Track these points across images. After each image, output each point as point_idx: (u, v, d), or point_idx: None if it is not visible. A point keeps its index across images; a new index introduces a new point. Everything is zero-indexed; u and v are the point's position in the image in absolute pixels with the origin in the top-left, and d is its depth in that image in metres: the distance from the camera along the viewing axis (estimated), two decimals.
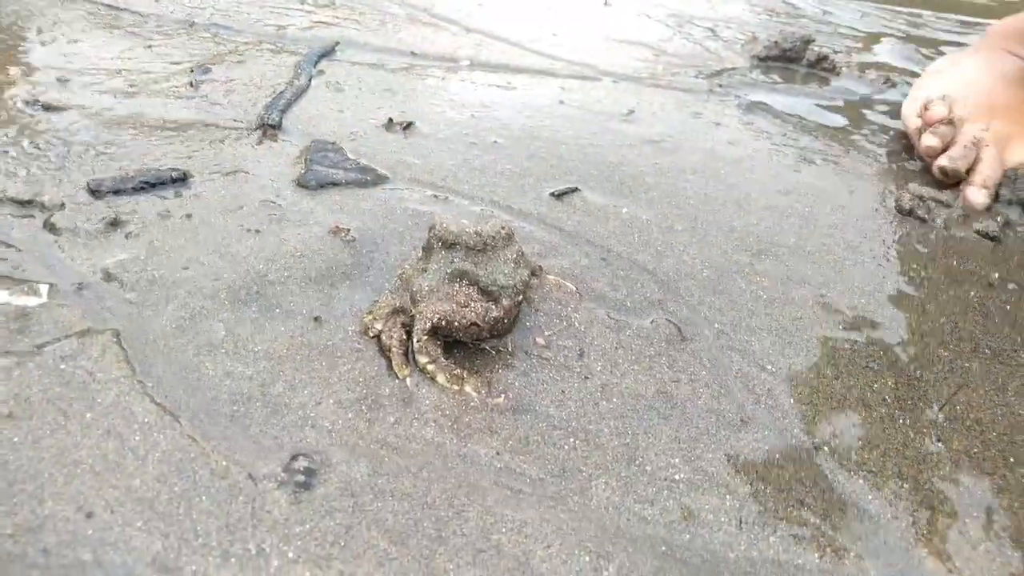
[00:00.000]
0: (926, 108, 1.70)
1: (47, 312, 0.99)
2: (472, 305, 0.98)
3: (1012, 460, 0.95)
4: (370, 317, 1.03)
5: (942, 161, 1.57)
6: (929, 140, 1.62)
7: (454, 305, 0.98)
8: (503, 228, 1.04)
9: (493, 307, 0.99)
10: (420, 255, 1.06)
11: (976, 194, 1.51)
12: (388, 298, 1.04)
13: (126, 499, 0.77)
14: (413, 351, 0.98)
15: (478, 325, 0.98)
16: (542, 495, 0.84)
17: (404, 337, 0.99)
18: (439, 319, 0.97)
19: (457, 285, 1.00)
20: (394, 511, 0.80)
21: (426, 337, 0.97)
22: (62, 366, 0.91)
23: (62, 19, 1.95)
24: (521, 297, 1.04)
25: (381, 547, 0.76)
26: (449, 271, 1.00)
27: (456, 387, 0.95)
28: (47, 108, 1.48)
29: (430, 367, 0.96)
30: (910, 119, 1.76)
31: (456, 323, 0.97)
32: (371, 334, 1.02)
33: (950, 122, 1.64)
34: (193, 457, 0.83)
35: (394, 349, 0.98)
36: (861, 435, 0.97)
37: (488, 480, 0.85)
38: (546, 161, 1.53)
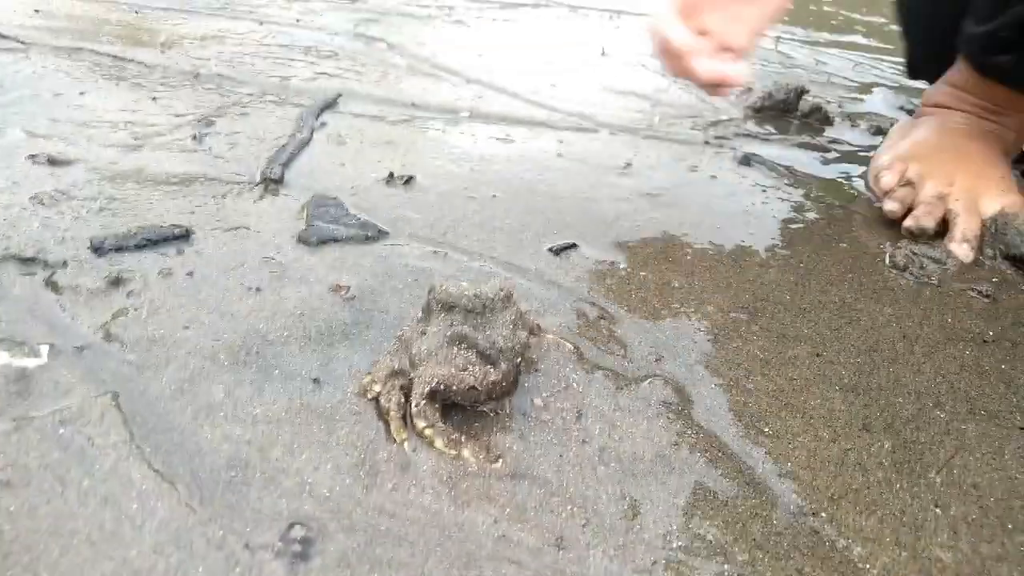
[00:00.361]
0: (877, 180, 1.72)
1: (47, 374, 1.00)
2: (471, 369, 0.99)
3: (1011, 527, 0.95)
4: (369, 379, 1.03)
5: (908, 223, 1.59)
6: (890, 206, 1.63)
7: (452, 369, 0.98)
8: (502, 289, 1.05)
9: (491, 370, 1.00)
10: (420, 316, 1.07)
11: (959, 248, 1.52)
12: (387, 360, 1.05)
13: (122, 571, 0.77)
14: (411, 414, 0.98)
15: (476, 389, 0.99)
16: (540, 566, 0.84)
17: (402, 400, 1.00)
18: (437, 383, 0.97)
19: (456, 349, 1.00)
20: None
21: (424, 401, 0.97)
22: (61, 431, 0.91)
23: (71, 73, 1.99)
24: (520, 359, 1.05)
25: None
26: (448, 335, 1.01)
27: (454, 452, 0.96)
28: (52, 162, 1.50)
29: (428, 431, 0.97)
30: (874, 189, 1.77)
31: (454, 387, 0.98)
32: (369, 396, 1.02)
33: (907, 183, 1.65)
34: (190, 526, 0.82)
35: (392, 412, 0.98)
36: (859, 500, 0.97)
37: (486, 550, 0.84)
38: (544, 215, 1.55)
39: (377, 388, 1.02)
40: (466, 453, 0.96)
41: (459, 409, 1.02)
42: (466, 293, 1.03)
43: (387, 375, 1.02)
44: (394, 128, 1.91)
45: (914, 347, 1.27)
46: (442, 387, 0.97)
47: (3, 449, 0.88)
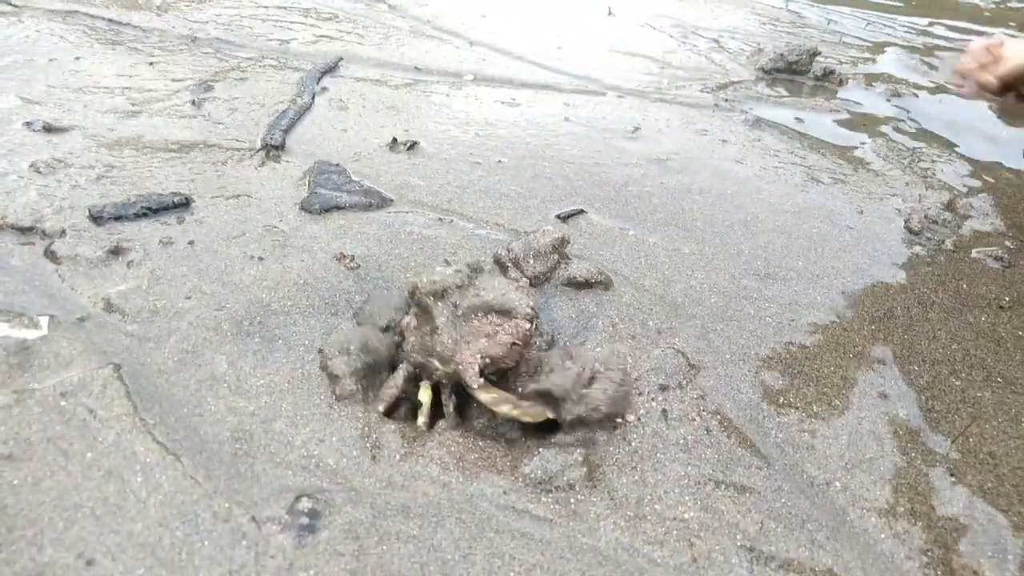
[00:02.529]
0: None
1: (47, 346, 0.98)
2: (501, 330, 0.97)
3: None
4: (390, 392, 1.00)
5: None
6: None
7: (485, 340, 0.96)
8: (475, 261, 1.05)
9: (520, 321, 0.97)
10: (415, 323, 1.02)
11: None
12: (400, 372, 1.01)
13: (127, 545, 0.76)
14: (481, 401, 0.96)
15: (517, 343, 0.96)
16: (551, 538, 0.82)
17: (431, 394, 0.98)
18: (483, 358, 0.95)
19: (475, 322, 0.98)
20: (399, 554, 0.79)
21: (482, 381, 0.95)
22: (63, 403, 0.90)
23: (66, 37, 1.94)
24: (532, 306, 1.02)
25: None
26: (461, 314, 0.98)
27: (528, 417, 0.95)
28: (48, 130, 1.47)
29: (505, 408, 0.95)
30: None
31: (499, 352, 0.95)
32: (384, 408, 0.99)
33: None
34: (195, 499, 0.81)
35: (423, 407, 0.97)
36: (874, 470, 0.95)
37: (495, 521, 0.83)
38: (551, 182, 1.52)
39: (392, 392, 0.99)
40: (532, 414, 0.95)
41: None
42: (448, 273, 1.00)
43: (404, 381, 0.99)
44: (396, 92, 1.87)
45: (929, 313, 1.24)
46: (487, 360, 0.95)
47: (4, 422, 0.86)
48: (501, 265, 1.16)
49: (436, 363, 0.97)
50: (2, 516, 0.77)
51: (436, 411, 0.98)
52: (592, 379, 0.98)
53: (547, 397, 0.97)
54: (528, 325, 0.98)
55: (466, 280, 1.00)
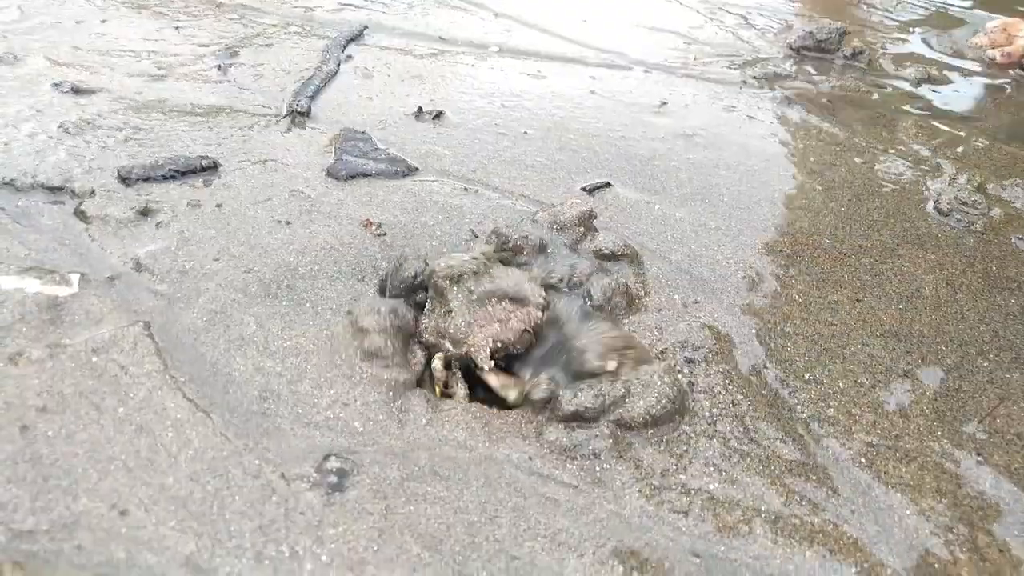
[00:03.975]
0: None
1: (78, 303, 0.99)
2: (514, 317, 0.98)
3: None
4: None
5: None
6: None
7: (497, 325, 0.97)
8: (489, 250, 1.06)
9: (532, 309, 0.99)
10: (430, 304, 1.03)
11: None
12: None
13: (159, 497, 0.77)
14: (490, 385, 0.98)
15: (528, 331, 0.98)
16: (577, 503, 0.83)
17: (442, 368, 0.99)
18: (493, 342, 0.96)
19: (489, 308, 0.99)
20: (427, 515, 0.79)
21: (492, 363, 0.96)
22: (94, 359, 0.91)
23: (92, 0, 1.94)
24: (544, 295, 1.03)
25: (414, 552, 0.76)
26: (475, 299, 1.00)
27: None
28: (76, 91, 1.47)
29: (512, 394, 0.96)
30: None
31: (510, 338, 0.97)
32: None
33: None
34: (226, 455, 0.82)
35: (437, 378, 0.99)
36: (899, 448, 0.95)
37: (521, 485, 0.84)
38: (577, 154, 1.51)
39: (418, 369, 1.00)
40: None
41: None
42: (465, 259, 1.02)
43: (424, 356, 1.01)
44: (421, 62, 1.86)
45: (957, 295, 1.23)
46: (499, 344, 0.97)
47: (38, 375, 0.87)
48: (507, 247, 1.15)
49: (448, 344, 0.98)
50: (38, 466, 0.78)
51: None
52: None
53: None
54: (540, 313, 1.00)
55: (482, 267, 1.02)
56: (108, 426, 0.83)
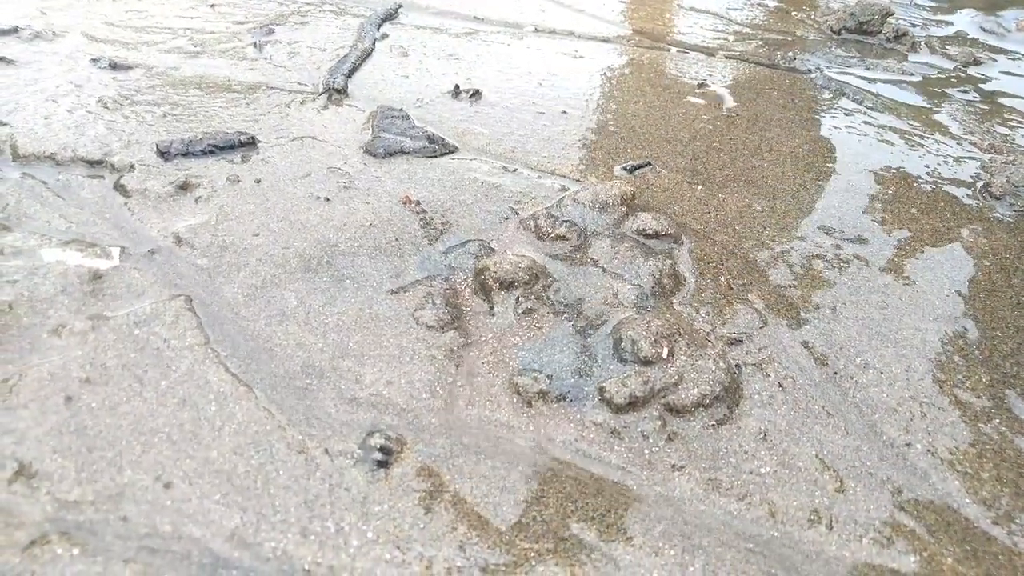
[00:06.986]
0: None
1: (119, 276, 0.98)
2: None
3: None
4: None
5: None
6: None
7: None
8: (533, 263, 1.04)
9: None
10: (469, 297, 1.02)
11: None
12: None
13: (204, 470, 0.76)
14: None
15: None
16: (625, 485, 0.81)
17: None
18: None
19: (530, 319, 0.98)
20: (472, 494, 0.78)
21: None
22: (136, 331, 0.90)
23: None
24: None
25: (460, 531, 0.74)
26: (522, 311, 0.98)
27: None
28: (114, 67, 1.47)
29: None
30: None
31: None
32: None
33: None
34: (269, 430, 0.81)
35: None
36: (956, 434, 0.92)
37: (568, 466, 0.82)
38: (616, 134, 1.48)
39: None
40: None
41: None
42: (520, 266, 1.00)
43: None
44: (457, 41, 1.84)
45: (1012, 280, 1.19)
46: None
47: (81, 347, 0.87)
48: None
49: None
50: (83, 437, 0.77)
51: None
52: None
53: None
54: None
55: (533, 278, 1.01)
56: (151, 399, 0.83)
